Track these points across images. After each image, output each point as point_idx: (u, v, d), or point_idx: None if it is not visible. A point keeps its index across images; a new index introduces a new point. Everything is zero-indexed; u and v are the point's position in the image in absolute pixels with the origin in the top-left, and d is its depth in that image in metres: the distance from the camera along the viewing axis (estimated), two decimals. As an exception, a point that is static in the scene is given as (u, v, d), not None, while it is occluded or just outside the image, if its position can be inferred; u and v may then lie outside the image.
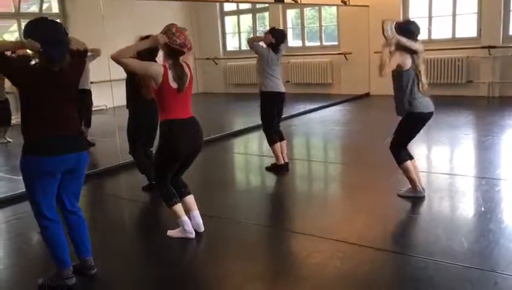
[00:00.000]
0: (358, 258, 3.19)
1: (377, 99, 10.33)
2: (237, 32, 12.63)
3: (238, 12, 12.33)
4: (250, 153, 6.19)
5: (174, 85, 3.28)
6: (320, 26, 11.51)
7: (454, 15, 9.64)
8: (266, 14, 12.11)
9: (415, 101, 4.02)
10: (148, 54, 3.66)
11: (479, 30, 9.39)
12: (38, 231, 3.20)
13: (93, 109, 7.02)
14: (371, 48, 10.51)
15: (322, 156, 6.09)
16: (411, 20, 4.28)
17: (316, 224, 3.90)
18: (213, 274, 3.22)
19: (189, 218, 3.63)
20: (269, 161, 5.52)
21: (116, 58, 3.14)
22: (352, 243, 3.39)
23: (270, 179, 5.22)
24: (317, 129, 6.34)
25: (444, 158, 5.72)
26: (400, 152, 4.19)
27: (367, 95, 10.71)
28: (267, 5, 11.16)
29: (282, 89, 5.21)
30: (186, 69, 3.37)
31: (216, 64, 12.33)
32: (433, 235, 3.52)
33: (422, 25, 10.01)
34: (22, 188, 4.85)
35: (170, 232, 3.66)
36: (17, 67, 2.80)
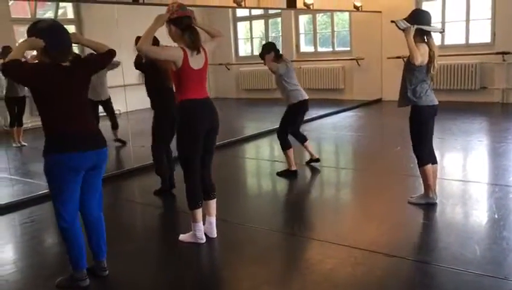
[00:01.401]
0: (370, 264, 3.18)
1: (389, 105, 10.28)
2: (249, 37, 12.68)
3: (250, 18, 12.38)
4: (261, 158, 6.20)
5: (192, 64, 3.35)
6: (333, 31, 11.51)
7: (467, 20, 9.58)
8: (279, 19, 12.15)
9: (423, 95, 4.01)
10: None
11: (493, 36, 9.32)
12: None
13: (103, 114, 7.17)
14: (384, 53, 10.51)
15: (333, 162, 6.09)
16: (416, 9, 4.29)
17: (328, 229, 3.90)
18: (225, 278, 3.23)
19: (205, 221, 3.65)
20: (281, 166, 5.53)
21: (140, 48, 3.24)
22: (364, 249, 3.38)
23: (282, 184, 5.23)
24: (329, 135, 6.33)
25: (458, 164, 5.68)
26: (422, 154, 4.07)
27: (379, 100, 10.68)
28: (279, 10, 11.19)
29: (306, 95, 5.33)
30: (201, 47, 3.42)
31: (228, 69, 12.38)
32: (446, 242, 3.50)
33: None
34: (36, 191, 4.98)
35: (182, 237, 3.68)
36: (28, 68, 2.85)
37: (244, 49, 13.00)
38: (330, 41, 11.63)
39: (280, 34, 12.29)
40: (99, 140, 2.98)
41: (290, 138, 5.36)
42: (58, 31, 2.85)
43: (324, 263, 3.27)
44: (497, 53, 9.05)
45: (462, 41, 9.66)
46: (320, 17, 11.75)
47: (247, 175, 6.10)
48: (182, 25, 3.36)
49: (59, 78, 2.81)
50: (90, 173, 2.95)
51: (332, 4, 10.49)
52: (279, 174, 5.35)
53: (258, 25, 12.55)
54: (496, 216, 3.84)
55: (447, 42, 9.85)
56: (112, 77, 6.57)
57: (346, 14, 11.16)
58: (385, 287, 2.93)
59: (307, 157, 5.66)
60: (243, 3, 8.16)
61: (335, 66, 11.16)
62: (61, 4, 9.87)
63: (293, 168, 5.29)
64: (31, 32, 2.79)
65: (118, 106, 7.38)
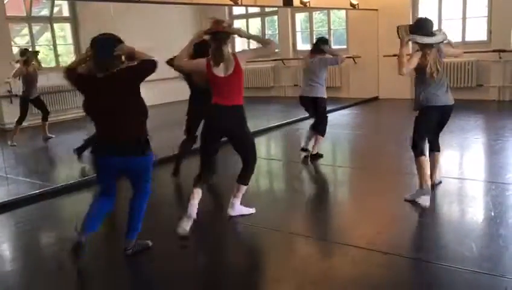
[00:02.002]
0: (369, 263, 3.18)
1: (385, 102, 10.30)
2: (246, 35, 12.67)
3: (247, 16, 12.36)
4: (258, 156, 6.20)
5: (216, 72, 3.68)
6: (329, 29, 11.50)
7: (464, 18, 9.60)
8: (275, 17, 12.14)
9: (430, 95, 4.13)
10: (200, 53, 3.92)
11: (489, 34, 9.34)
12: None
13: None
14: (380, 51, 10.51)
15: (330, 160, 6.08)
16: (420, 17, 4.37)
17: (326, 228, 3.90)
18: (220, 276, 3.22)
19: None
20: (277, 164, 5.52)
21: (176, 65, 3.86)
22: (362, 248, 3.38)
23: (279, 182, 5.23)
24: (326, 133, 6.35)
25: (454, 162, 5.68)
26: (417, 146, 4.17)
27: (376, 98, 10.68)
28: (276, 8, 11.18)
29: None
30: (231, 57, 3.69)
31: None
32: (443, 240, 3.51)
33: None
34: (28, 192, 4.97)
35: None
36: (73, 77, 3.16)
37: (241, 47, 12.97)
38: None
39: (277, 32, 12.27)
40: (128, 149, 3.15)
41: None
42: (100, 45, 3.11)
43: (322, 262, 3.27)
44: (494, 51, 9.07)
45: (459, 39, 9.67)
46: (316, 15, 11.74)
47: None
48: (211, 39, 3.70)
49: (89, 88, 3.12)
50: (128, 173, 3.29)
51: (328, 2, 10.47)
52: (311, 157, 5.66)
53: (255, 23, 12.54)
54: (493, 214, 3.84)
55: (443, 40, 9.87)
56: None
57: (343, 12, 11.15)
58: (383, 285, 2.93)
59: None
60: (239, 1, 8.15)
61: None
62: (57, 2, 9.83)
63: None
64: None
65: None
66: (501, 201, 4.13)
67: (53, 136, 7.66)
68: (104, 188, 3.34)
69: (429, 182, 4.16)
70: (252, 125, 7.42)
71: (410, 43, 4.11)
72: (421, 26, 4.10)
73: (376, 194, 4.75)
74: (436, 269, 3.03)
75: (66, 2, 9.65)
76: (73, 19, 9.86)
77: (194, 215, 3.69)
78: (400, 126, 7.99)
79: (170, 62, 4.36)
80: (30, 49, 8.06)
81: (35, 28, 10.09)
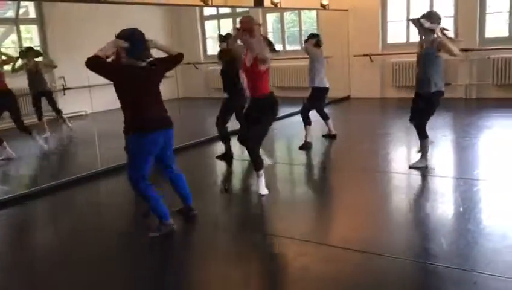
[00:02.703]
0: (342, 261, 3.21)
1: (357, 102, 10.43)
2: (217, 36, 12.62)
3: (218, 17, 12.31)
4: (236, 157, 6.23)
5: (247, 63, 4.41)
6: (301, 30, 11.57)
7: (431, 18, 9.77)
8: (246, 18, 12.12)
9: (441, 81, 4.87)
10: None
11: (456, 33, 9.56)
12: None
13: (72, 115, 7.04)
14: (351, 51, 10.64)
15: (303, 160, 6.11)
16: (429, 10, 5.18)
17: (299, 227, 3.91)
18: (196, 279, 3.20)
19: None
20: (249, 165, 5.50)
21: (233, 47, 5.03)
22: (336, 246, 3.41)
23: (251, 183, 5.22)
24: (298, 133, 6.37)
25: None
26: (424, 129, 4.97)
27: (347, 98, 10.80)
28: (247, 9, 11.18)
29: (328, 84, 6.64)
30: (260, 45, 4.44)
31: (197, 68, 12.28)
32: (414, 236, 3.57)
33: (400, 28, 10.21)
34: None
35: (262, 192, 4.57)
36: (109, 67, 3.52)
37: (212, 48, 12.92)
38: (298, 39, 11.68)
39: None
40: (167, 122, 3.70)
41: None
42: (137, 39, 3.52)
43: (297, 261, 3.28)
44: (460, 50, 9.25)
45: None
46: (288, 16, 11.79)
47: (218, 175, 6.06)
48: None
49: (135, 75, 3.53)
50: (166, 147, 3.74)
51: (299, 2, 10.54)
52: (301, 147, 6.34)
53: (226, 24, 12.51)
54: (461, 209, 3.93)
55: (411, 40, 10.05)
56: (76, 78, 6.42)
57: (314, 12, 11.24)
58: (357, 283, 2.96)
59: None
60: (209, 2, 8.12)
61: (303, 65, 11.20)
62: (23, 3, 9.58)
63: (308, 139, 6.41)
64: (118, 36, 3.50)
65: (84, 107, 7.23)
66: (469, 197, 4.23)
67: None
68: (145, 168, 3.64)
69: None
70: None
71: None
72: (437, 17, 4.87)
73: (349, 192, 4.80)
74: (407, 265, 3.08)
75: (32, 3, 9.41)
76: (40, 21, 9.63)
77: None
78: (371, 125, 8.11)
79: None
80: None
81: (0, 30, 9.83)
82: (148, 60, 3.62)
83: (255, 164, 4.59)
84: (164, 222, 3.74)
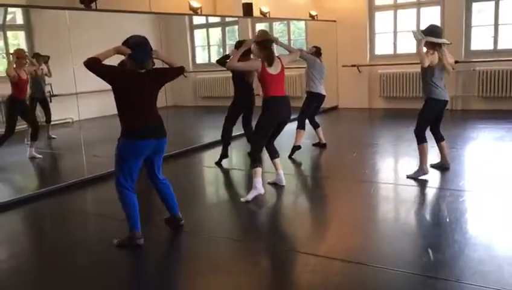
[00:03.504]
0: (328, 271, 3.20)
1: (345, 112, 10.49)
2: (207, 45, 12.63)
3: (207, 26, 12.34)
4: (221, 164, 6.21)
5: (270, 71, 4.68)
6: (289, 39, 11.63)
7: (418, 30, 9.90)
8: (236, 27, 12.16)
9: (436, 89, 5.02)
10: (246, 54, 4.97)
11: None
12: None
13: (58, 122, 6.98)
14: (339, 61, 10.71)
15: (291, 169, 6.11)
16: (431, 23, 5.22)
17: (285, 237, 3.90)
18: (186, 288, 3.17)
19: (277, 174, 5.12)
20: (238, 173, 5.50)
21: (231, 67, 4.82)
22: (322, 256, 3.40)
23: (239, 192, 5.20)
24: (286, 142, 6.38)
25: (410, 170, 5.81)
26: (420, 134, 5.07)
27: (336, 108, 10.86)
28: (236, 18, 11.22)
29: (324, 92, 6.88)
30: (277, 59, 4.77)
31: (185, 77, 12.26)
32: (400, 247, 3.57)
33: (387, 39, 10.32)
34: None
35: (244, 198, 4.67)
36: (108, 68, 3.49)
37: (201, 57, 12.93)
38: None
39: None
40: (159, 131, 3.68)
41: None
42: (143, 47, 3.58)
43: (282, 271, 3.26)
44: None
45: (413, 50, 9.94)
46: (277, 26, 11.85)
47: (206, 183, 6.04)
48: (261, 46, 4.71)
49: (134, 81, 3.53)
50: (154, 154, 3.73)
51: (288, 13, 10.61)
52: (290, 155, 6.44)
53: (215, 33, 12.54)
54: (448, 220, 3.95)
55: (398, 51, 10.17)
56: (63, 85, 6.37)
57: (303, 23, 11.31)
58: (343, 293, 2.95)
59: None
60: (199, 11, 8.13)
61: (292, 74, 11.27)
62: (10, 9, 9.50)
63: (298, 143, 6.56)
64: (125, 43, 3.55)
65: (70, 114, 7.17)
66: (456, 207, 4.26)
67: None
68: (132, 174, 3.64)
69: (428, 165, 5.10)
70: (214, 135, 7.41)
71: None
72: (433, 31, 4.97)
73: (336, 202, 4.81)
74: (394, 275, 3.08)
75: (19, 9, 9.34)
76: (28, 28, 9.55)
77: (263, 190, 4.77)
78: (359, 134, 8.15)
79: (221, 61, 5.98)
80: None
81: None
82: (149, 69, 3.65)
83: (251, 158, 4.85)
84: (133, 231, 3.65)
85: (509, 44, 9.36)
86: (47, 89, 7.50)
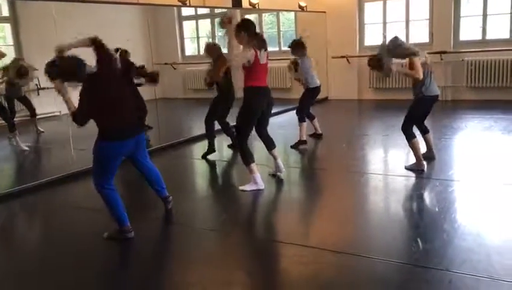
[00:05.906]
0: (321, 262, 3.21)
1: (335, 103, 10.49)
2: (196, 37, 12.55)
3: (196, 17, 12.25)
4: (209, 158, 6.19)
5: (260, 60, 4.60)
6: (279, 31, 11.60)
7: (407, 21, 9.94)
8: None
9: (425, 89, 4.98)
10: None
11: (431, 36, 9.71)
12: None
13: (46, 115, 6.93)
14: (329, 52, 10.70)
15: (282, 161, 6.10)
16: (392, 37, 4.99)
17: (277, 229, 3.90)
18: (177, 281, 3.16)
19: (276, 163, 5.09)
20: (228, 166, 5.48)
21: (235, 64, 4.85)
22: (314, 247, 3.41)
23: (229, 185, 5.20)
24: (277, 133, 6.36)
25: (400, 160, 5.84)
26: (408, 131, 5.02)
27: (326, 99, 10.86)
28: (225, 10, 11.14)
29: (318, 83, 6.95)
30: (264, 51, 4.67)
31: (175, 69, 12.19)
32: (390, 237, 3.59)
33: (377, 30, 10.32)
34: None
35: (242, 187, 4.68)
36: (91, 100, 3.48)
37: (190, 49, 12.85)
38: (277, 41, 11.70)
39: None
40: (136, 130, 3.68)
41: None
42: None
43: (274, 263, 3.27)
44: (435, 52, 9.42)
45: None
46: (266, 17, 11.80)
47: (195, 176, 6.02)
48: (250, 32, 4.57)
49: (102, 85, 3.54)
50: (137, 150, 3.75)
51: (277, 4, 10.56)
52: (293, 146, 6.46)
53: (205, 24, 12.45)
54: (437, 209, 3.98)
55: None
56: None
57: (292, 14, 11.27)
58: (334, 284, 2.96)
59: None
60: (187, 2, 8.06)
61: (281, 66, 11.23)
62: (-5, 1, 9.36)
63: (303, 138, 6.55)
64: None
65: (58, 108, 7.08)
66: (445, 197, 4.28)
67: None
68: (112, 173, 3.62)
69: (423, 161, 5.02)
70: (203, 127, 7.38)
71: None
72: (398, 43, 4.87)
73: (327, 193, 4.83)
74: (385, 265, 3.10)
75: (5, 1, 9.19)
76: (14, 20, 9.40)
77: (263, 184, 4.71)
78: (349, 126, 8.17)
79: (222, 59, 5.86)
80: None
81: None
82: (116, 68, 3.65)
83: (242, 157, 4.79)
84: (122, 226, 3.65)
85: (498, 34, 9.41)
86: (34, 82, 7.40)
